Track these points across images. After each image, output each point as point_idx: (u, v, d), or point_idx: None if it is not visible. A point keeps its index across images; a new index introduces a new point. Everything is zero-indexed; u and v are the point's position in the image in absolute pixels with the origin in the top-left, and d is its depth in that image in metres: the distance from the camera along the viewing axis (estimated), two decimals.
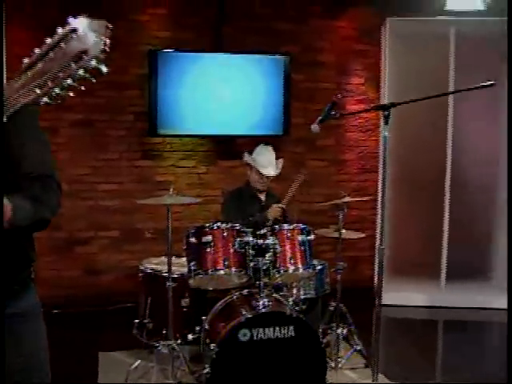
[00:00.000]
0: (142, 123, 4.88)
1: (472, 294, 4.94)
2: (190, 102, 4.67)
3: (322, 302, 3.57)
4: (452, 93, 2.92)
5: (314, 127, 3.10)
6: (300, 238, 3.00)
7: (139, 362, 3.31)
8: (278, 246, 2.93)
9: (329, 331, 3.47)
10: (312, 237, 3.07)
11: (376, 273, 3.08)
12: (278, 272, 2.95)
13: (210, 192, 5.10)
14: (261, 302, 2.81)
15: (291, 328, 2.74)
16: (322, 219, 4.64)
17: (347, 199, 3.41)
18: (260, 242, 2.93)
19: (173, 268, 3.19)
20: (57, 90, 1.06)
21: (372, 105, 5.34)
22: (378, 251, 2.95)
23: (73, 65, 1.04)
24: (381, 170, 2.85)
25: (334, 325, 3.43)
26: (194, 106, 4.69)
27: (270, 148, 3.70)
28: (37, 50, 1.06)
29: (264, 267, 2.88)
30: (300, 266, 2.99)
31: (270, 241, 2.90)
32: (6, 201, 1.22)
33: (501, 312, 4.84)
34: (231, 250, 2.89)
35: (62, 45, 1.04)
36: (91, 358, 3.71)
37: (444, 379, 3.60)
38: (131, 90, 4.86)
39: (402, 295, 4.93)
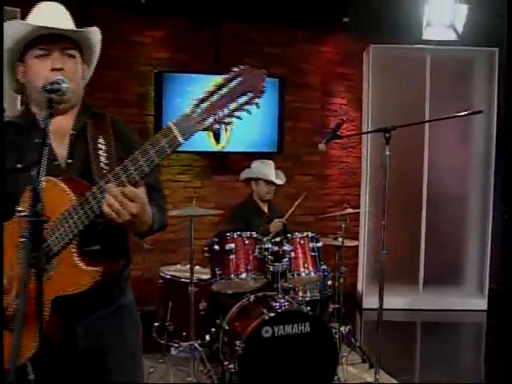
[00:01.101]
0: (141, 140, 5.11)
1: (447, 297, 5.39)
2: None
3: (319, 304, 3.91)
4: (446, 118, 3.31)
5: (322, 146, 3.45)
6: (311, 245, 3.33)
7: (157, 364, 3.54)
8: (292, 253, 3.25)
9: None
10: (320, 244, 3.41)
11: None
12: (293, 275, 3.26)
13: (206, 205, 5.36)
14: (280, 302, 3.11)
15: (307, 324, 3.06)
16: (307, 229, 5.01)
17: (350, 210, 3.75)
18: (276, 248, 3.24)
19: (188, 274, 3.45)
20: (226, 120, 1.34)
21: (352, 125, 5.81)
22: (380, 256, 3.33)
23: (239, 100, 1.33)
24: (386, 185, 3.19)
25: (336, 324, 3.73)
26: None
27: (269, 161, 4.04)
28: (209, 88, 1.35)
29: (281, 271, 3.19)
30: (312, 270, 3.32)
31: (286, 247, 3.21)
32: (148, 207, 1.48)
33: (473, 313, 5.33)
34: (251, 257, 3.18)
35: (230, 85, 1.33)
36: None
37: (422, 374, 3.94)
38: (131, 108, 5.09)
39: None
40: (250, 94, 1.32)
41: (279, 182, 3.91)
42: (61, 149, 1.61)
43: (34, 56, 1.59)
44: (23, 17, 3.98)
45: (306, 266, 3.29)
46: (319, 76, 5.70)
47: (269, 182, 3.90)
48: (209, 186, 5.43)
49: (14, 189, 1.52)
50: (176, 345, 3.47)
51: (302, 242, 3.32)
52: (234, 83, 1.33)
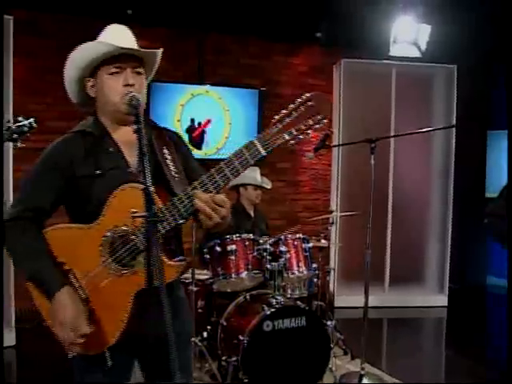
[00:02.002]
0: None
1: (410, 295, 5.80)
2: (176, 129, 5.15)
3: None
4: (428, 131, 3.67)
5: (310, 155, 3.73)
6: (303, 245, 3.60)
7: None
8: (287, 253, 3.51)
9: None
10: (310, 244, 3.68)
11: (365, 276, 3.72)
12: (288, 274, 3.52)
13: None
14: (278, 299, 3.35)
15: (303, 318, 3.32)
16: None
17: (338, 214, 4.04)
18: (273, 249, 3.49)
19: (189, 275, 3.64)
20: (299, 136, 1.58)
21: (328, 135, 6.12)
22: (365, 255, 3.65)
23: (310, 121, 1.57)
24: (371, 190, 3.53)
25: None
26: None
27: (255, 167, 4.27)
28: (284, 111, 1.58)
29: (278, 270, 3.44)
30: (304, 268, 3.59)
31: (282, 248, 3.47)
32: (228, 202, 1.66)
33: (434, 309, 5.77)
34: (250, 257, 3.42)
35: (302, 108, 1.57)
36: None
37: (388, 364, 4.25)
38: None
39: (351, 298, 5.64)
40: (319, 117, 1.57)
41: (267, 186, 4.16)
42: (131, 157, 1.79)
43: (108, 73, 1.77)
44: (15, 24, 4.08)
45: (299, 265, 3.55)
46: (291, 87, 6.00)
47: (257, 187, 4.14)
48: None
49: (94, 193, 1.70)
50: None
51: (296, 243, 3.58)
52: (305, 106, 1.57)
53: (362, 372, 3.68)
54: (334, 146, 3.88)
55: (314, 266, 3.69)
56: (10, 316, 4.22)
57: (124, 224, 1.63)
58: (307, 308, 3.42)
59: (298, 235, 3.65)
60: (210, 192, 1.58)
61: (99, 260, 1.65)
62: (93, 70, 1.80)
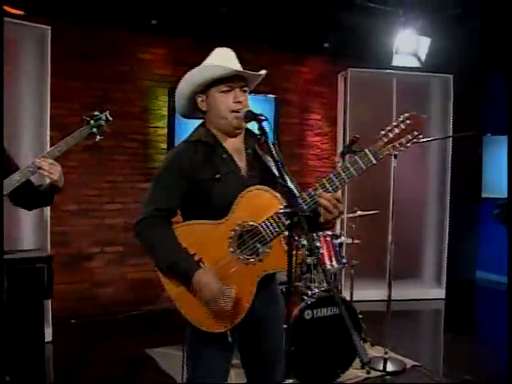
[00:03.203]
0: (143, 150, 5.50)
1: (410, 289, 6.21)
2: None
3: None
4: (447, 137, 4.06)
5: (337, 159, 4.08)
6: (334, 241, 3.95)
7: None
8: (321, 248, 3.84)
9: None
10: (339, 241, 4.03)
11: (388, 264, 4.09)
12: (322, 267, 3.86)
13: None
14: (314, 290, 3.68)
15: (337, 307, 3.65)
16: None
17: (359, 213, 4.40)
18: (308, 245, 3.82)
19: None
20: (399, 149, 1.90)
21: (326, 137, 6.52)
22: (389, 250, 4.02)
23: (409, 136, 1.89)
24: (392, 192, 3.92)
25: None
26: None
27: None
28: (388, 128, 1.90)
29: (314, 263, 3.77)
30: (335, 262, 3.93)
31: (318, 244, 3.80)
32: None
33: (430, 301, 6.20)
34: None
35: (402, 125, 1.89)
36: (136, 356, 4.27)
37: (392, 346, 4.63)
38: (135, 120, 5.45)
39: (358, 292, 6.01)
40: (415, 133, 1.90)
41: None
42: (241, 163, 2.09)
43: (219, 91, 2.06)
44: (53, 35, 4.30)
45: (331, 259, 3.89)
46: (298, 94, 6.35)
47: None
48: None
49: (214, 194, 2.00)
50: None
51: (328, 239, 3.92)
52: (404, 124, 1.90)
53: (386, 356, 4.05)
54: (361, 151, 4.19)
55: (344, 260, 4.03)
56: (48, 313, 4.42)
57: (251, 220, 1.94)
58: (342, 298, 3.76)
59: (327, 232, 3.98)
60: (329, 192, 1.89)
61: (227, 251, 1.95)
62: (205, 87, 2.08)
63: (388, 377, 3.95)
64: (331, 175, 1.91)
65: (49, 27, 4.41)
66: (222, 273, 1.94)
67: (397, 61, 5.71)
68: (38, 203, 2.76)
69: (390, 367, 4.02)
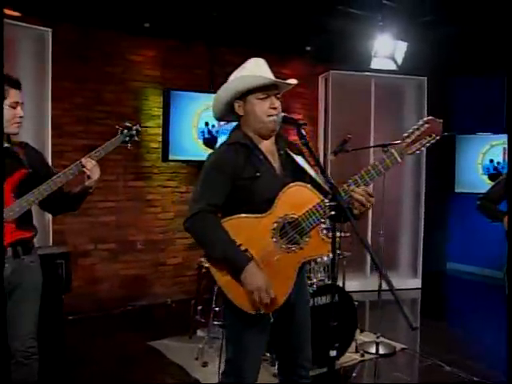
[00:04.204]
0: (135, 149, 5.62)
1: (385, 280, 6.54)
2: (189, 133, 5.61)
3: None
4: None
5: (331, 157, 4.34)
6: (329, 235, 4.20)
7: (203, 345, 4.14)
8: None
9: None
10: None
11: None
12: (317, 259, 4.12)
13: None
14: (315, 280, 3.94)
15: (336, 295, 3.92)
16: None
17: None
18: None
19: None
20: (422, 149, 2.15)
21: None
22: (378, 242, 4.31)
23: (428, 138, 2.14)
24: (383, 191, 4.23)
25: None
26: (191, 137, 5.65)
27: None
28: (410, 130, 2.14)
29: None
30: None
31: None
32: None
33: (407, 291, 6.56)
34: None
35: (422, 128, 2.15)
36: (140, 349, 4.43)
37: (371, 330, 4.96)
38: (128, 120, 5.52)
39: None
40: (433, 135, 2.16)
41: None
42: (275, 163, 2.32)
43: (257, 98, 2.28)
44: (54, 36, 4.40)
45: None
46: (281, 94, 6.57)
47: None
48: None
49: (255, 191, 2.21)
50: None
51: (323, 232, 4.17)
52: (423, 128, 2.16)
53: (378, 340, 4.35)
54: (353, 149, 4.48)
55: (338, 252, 4.30)
56: None
57: (292, 212, 2.17)
58: (340, 287, 4.02)
59: (324, 225, 4.22)
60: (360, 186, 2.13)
61: (271, 241, 2.17)
62: (243, 94, 2.30)
63: (380, 359, 4.26)
64: (362, 172, 2.15)
65: (49, 29, 4.50)
66: (267, 261, 2.16)
67: (375, 63, 6.01)
68: (66, 208, 2.89)
69: (381, 350, 4.33)
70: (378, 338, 4.36)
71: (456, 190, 6.84)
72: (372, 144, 6.39)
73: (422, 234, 6.64)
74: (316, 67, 6.59)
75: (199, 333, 4.58)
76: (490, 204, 3.62)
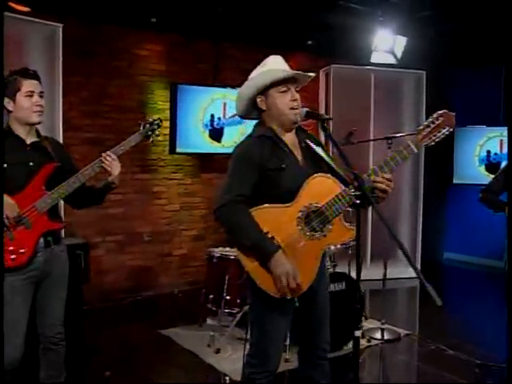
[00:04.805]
0: (142, 142, 5.70)
1: (388, 268, 6.70)
2: (195, 126, 5.71)
3: None
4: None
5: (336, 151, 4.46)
6: None
7: (212, 333, 4.26)
8: None
9: None
10: None
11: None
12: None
13: (195, 200, 6.13)
14: None
15: (343, 283, 4.06)
16: None
17: None
18: None
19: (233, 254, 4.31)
20: (436, 140, 2.28)
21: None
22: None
23: (442, 130, 2.27)
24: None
25: None
26: (197, 130, 5.75)
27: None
28: (425, 123, 2.27)
29: None
30: None
31: None
32: None
33: (405, 280, 6.71)
34: None
35: (437, 122, 2.27)
36: (153, 338, 4.54)
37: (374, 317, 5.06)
38: (133, 114, 5.65)
39: None
40: (447, 127, 2.29)
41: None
42: (298, 155, 2.44)
43: (278, 91, 2.41)
44: (64, 32, 4.47)
45: None
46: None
47: None
48: (197, 183, 6.17)
49: (281, 181, 2.33)
50: (234, 311, 4.24)
51: None
52: (439, 121, 2.29)
53: (383, 327, 4.50)
54: (359, 141, 4.61)
55: None
56: None
57: (316, 202, 2.29)
58: (347, 274, 4.17)
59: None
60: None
61: (296, 228, 2.29)
62: (264, 89, 2.42)
63: (386, 344, 4.41)
64: (382, 163, 2.27)
65: (60, 25, 4.56)
66: (292, 247, 2.29)
67: (375, 58, 6.14)
68: (89, 202, 2.98)
69: (386, 336, 4.48)
70: (382, 324, 4.52)
71: (454, 182, 7.00)
72: (372, 136, 6.54)
73: (421, 225, 6.80)
74: (317, 61, 6.71)
75: (209, 321, 4.70)
76: (492, 195, 3.75)
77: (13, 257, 2.57)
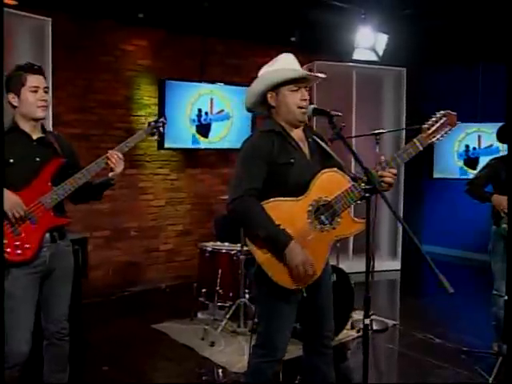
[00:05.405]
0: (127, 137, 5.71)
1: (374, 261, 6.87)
2: (183, 122, 5.72)
3: None
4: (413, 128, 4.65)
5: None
6: None
7: (207, 326, 4.32)
8: None
9: None
10: None
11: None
12: None
13: (180, 195, 6.16)
14: None
15: (334, 275, 4.16)
16: None
17: None
18: None
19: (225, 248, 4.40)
20: (440, 138, 2.38)
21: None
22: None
23: (446, 129, 2.37)
24: None
25: None
26: (184, 125, 5.77)
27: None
28: (430, 122, 2.37)
29: None
30: None
31: None
32: None
33: (386, 273, 6.89)
34: None
35: (440, 121, 2.37)
36: (146, 332, 4.57)
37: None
38: (120, 109, 5.65)
39: None
40: (449, 127, 2.40)
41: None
42: (306, 150, 2.52)
43: (289, 90, 2.48)
44: (53, 27, 4.44)
45: None
46: None
47: None
48: (183, 179, 6.19)
49: (290, 175, 2.40)
50: (226, 304, 4.31)
51: None
52: (441, 121, 2.39)
53: (371, 318, 4.62)
54: (348, 137, 4.71)
55: None
56: None
57: (326, 195, 2.37)
58: (338, 267, 4.27)
59: None
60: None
61: (306, 221, 2.37)
62: (275, 86, 2.48)
63: (374, 334, 4.54)
64: (389, 159, 2.37)
65: (49, 19, 4.52)
66: (302, 239, 2.36)
67: (357, 55, 6.25)
68: (89, 197, 2.98)
69: (375, 326, 4.61)
70: (372, 315, 4.63)
71: (434, 176, 7.19)
72: (354, 131, 6.67)
73: (401, 217, 6.95)
74: (300, 57, 6.74)
75: (200, 315, 4.75)
76: (478, 188, 3.91)
77: (18, 251, 2.58)
